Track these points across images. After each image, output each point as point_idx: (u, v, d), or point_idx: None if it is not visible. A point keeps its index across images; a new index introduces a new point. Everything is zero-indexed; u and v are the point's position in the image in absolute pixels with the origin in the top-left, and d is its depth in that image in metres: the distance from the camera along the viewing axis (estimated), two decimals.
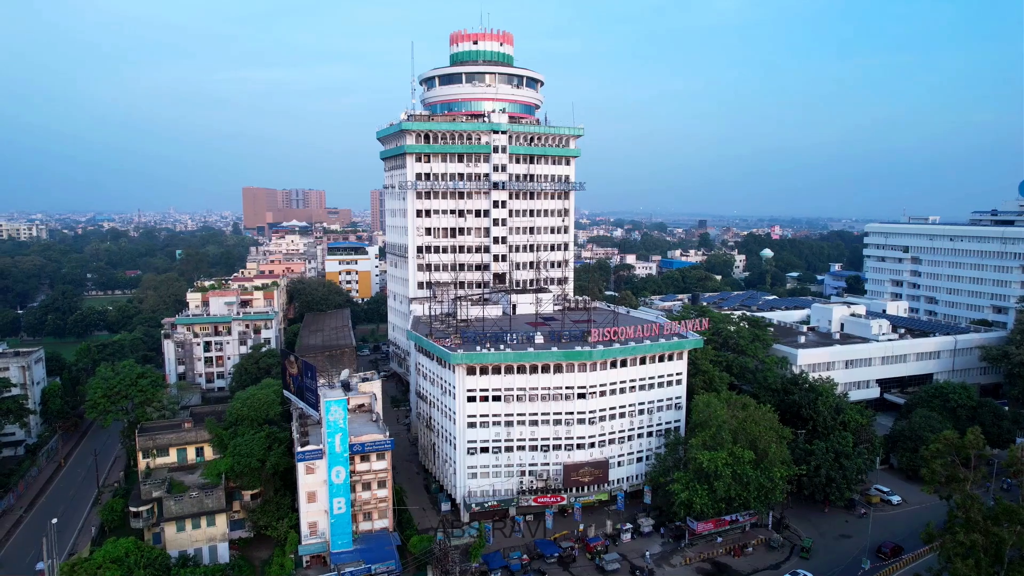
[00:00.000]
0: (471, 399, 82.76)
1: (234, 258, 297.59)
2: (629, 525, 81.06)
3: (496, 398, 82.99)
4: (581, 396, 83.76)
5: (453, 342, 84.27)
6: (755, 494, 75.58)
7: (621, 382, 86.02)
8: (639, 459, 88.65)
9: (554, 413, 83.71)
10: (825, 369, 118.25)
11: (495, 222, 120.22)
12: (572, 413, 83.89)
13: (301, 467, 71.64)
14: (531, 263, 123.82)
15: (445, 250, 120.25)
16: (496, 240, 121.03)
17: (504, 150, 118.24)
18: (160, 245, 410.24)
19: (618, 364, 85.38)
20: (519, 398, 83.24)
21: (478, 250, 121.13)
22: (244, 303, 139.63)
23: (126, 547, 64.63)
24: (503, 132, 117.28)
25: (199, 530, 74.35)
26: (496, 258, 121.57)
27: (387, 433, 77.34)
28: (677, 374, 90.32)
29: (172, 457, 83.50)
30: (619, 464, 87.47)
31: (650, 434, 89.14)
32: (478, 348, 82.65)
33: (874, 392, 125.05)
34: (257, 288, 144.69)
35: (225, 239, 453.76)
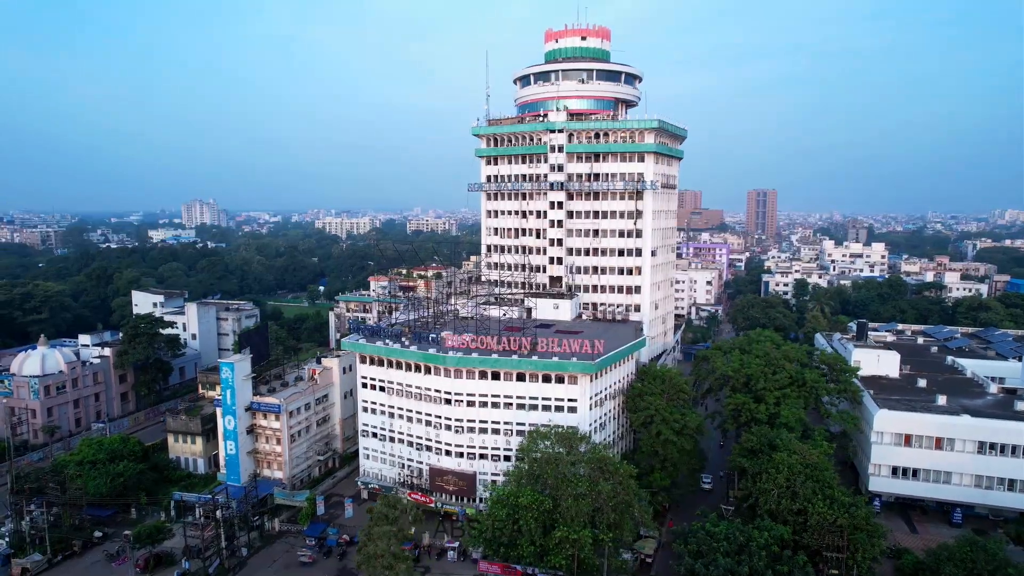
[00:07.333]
0: (364, 385, 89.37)
1: None
2: (457, 544, 76.32)
3: (382, 389, 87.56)
4: (447, 402, 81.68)
5: (344, 332, 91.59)
6: (528, 549, 63.60)
7: (493, 395, 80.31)
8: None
9: (424, 414, 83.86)
10: (930, 445, 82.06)
11: (552, 223, 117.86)
12: (440, 417, 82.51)
13: (218, 411, 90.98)
14: (593, 268, 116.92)
15: (509, 250, 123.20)
16: (552, 242, 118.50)
17: (561, 149, 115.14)
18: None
19: (489, 376, 79.95)
20: (398, 392, 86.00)
21: (537, 251, 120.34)
22: (407, 289, 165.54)
23: (114, 440, 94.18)
24: (559, 131, 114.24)
25: (187, 445, 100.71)
26: (552, 260, 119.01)
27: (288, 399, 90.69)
28: (570, 400, 78.52)
29: (217, 392, 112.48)
30: (493, 482, 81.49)
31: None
32: (386, 342, 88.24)
33: None
34: (422, 277, 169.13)
35: None
